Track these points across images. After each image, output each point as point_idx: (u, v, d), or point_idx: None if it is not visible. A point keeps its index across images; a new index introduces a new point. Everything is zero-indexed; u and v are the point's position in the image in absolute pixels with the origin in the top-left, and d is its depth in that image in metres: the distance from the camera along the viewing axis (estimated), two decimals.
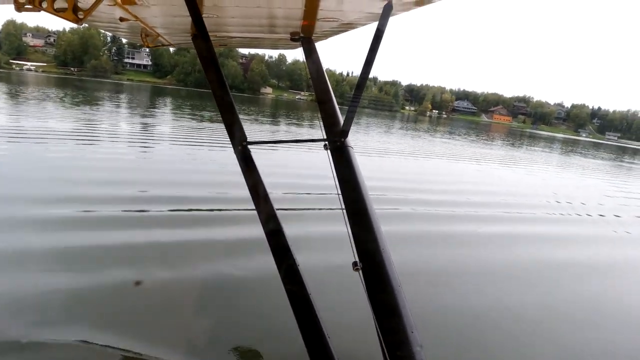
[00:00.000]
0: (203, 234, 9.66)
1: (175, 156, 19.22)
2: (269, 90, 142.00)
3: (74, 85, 66.64)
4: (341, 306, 5.94)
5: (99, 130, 23.15)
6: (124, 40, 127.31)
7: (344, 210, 3.04)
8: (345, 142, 3.18)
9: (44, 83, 67.14)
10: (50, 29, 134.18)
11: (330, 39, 3.88)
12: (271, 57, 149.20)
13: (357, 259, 2.86)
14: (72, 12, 2.07)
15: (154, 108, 45.69)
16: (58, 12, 2.03)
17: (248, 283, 7.56)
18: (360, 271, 2.82)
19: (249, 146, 3.06)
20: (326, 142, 3.23)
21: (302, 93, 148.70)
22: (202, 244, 9.09)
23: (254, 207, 3.03)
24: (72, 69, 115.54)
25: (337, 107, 3.45)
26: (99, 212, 10.12)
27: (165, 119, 34.84)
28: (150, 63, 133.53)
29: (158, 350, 5.38)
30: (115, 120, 29.26)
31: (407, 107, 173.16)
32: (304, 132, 37.82)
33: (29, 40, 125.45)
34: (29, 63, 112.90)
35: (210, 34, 2.83)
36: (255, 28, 3.55)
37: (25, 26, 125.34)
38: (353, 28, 3.30)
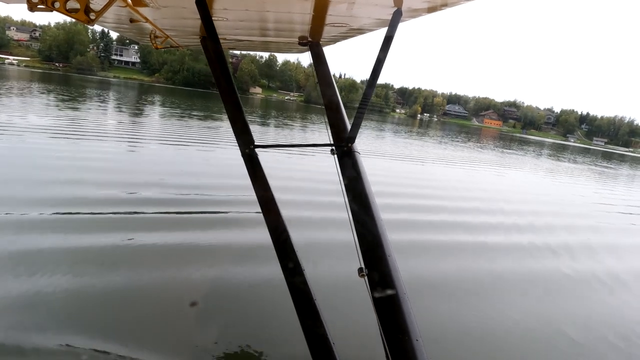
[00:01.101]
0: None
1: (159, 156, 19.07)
2: (258, 90, 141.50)
3: (47, 81, 65.10)
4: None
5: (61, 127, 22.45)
6: (113, 37, 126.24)
7: (350, 216, 3.05)
8: (352, 148, 3.19)
9: (23, 78, 65.67)
10: (36, 24, 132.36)
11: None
12: (262, 57, 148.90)
13: (363, 265, 2.87)
14: (84, 13, 2.08)
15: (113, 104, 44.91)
16: (70, 12, 2.04)
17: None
18: (366, 277, 2.83)
19: (257, 149, 3.07)
20: (333, 147, 3.24)
21: (292, 94, 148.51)
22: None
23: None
24: (56, 64, 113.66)
25: (344, 112, 3.46)
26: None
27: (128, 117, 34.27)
28: (138, 60, 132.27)
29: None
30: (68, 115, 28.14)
31: (397, 110, 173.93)
32: (297, 134, 37.75)
33: (13, 33, 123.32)
34: (11, 57, 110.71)
35: (219, 37, 2.83)
36: (264, 32, 3.56)
37: (10, 19, 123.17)
38: (362, 33, 3.32)
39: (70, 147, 17.55)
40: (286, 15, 2.96)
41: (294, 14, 2.90)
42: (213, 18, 2.78)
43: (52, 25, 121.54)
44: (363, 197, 3.07)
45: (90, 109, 34.19)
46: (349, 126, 3.29)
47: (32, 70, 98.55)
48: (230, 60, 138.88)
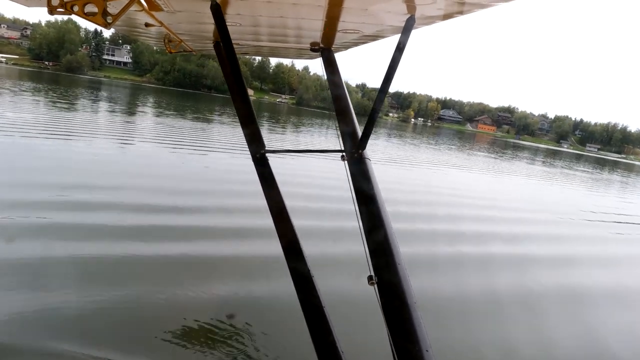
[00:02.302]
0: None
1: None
2: (250, 92, 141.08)
3: (32, 79, 64.09)
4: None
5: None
6: (106, 36, 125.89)
7: (360, 223, 3.06)
8: (363, 154, 3.21)
9: (7, 75, 64.59)
10: (29, 22, 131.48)
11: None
12: (254, 59, 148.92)
13: (373, 273, 2.87)
14: (102, 16, 2.12)
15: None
16: (88, 16, 2.09)
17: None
18: (376, 285, 2.83)
19: (267, 154, 3.08)
20: (343, 154, 3.26)
21: (283, 96, 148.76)
22: None
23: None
24: (46, 63, 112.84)
25: (355, 118, 3.48)
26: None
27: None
28: (130, 60, 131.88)
29: None
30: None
31: (390, 114, 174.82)
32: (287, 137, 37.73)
33: (4, 31, 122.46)
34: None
35: (232, 42, 2.85)
36: (276, 37, 3.59)
37: (2, 17, 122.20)
38: (374, 40, 3.35)
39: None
40: (299, 22, 2.99)
41: (306, 20, 2.93)
42: (227, 23, 2.81)
43: (43, 23, 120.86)
44: (373, 204, 3.07)
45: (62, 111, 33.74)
46: (359, 133, 3.32)
47: (20, 68, 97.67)
48: None
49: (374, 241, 2.96)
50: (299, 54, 4.65)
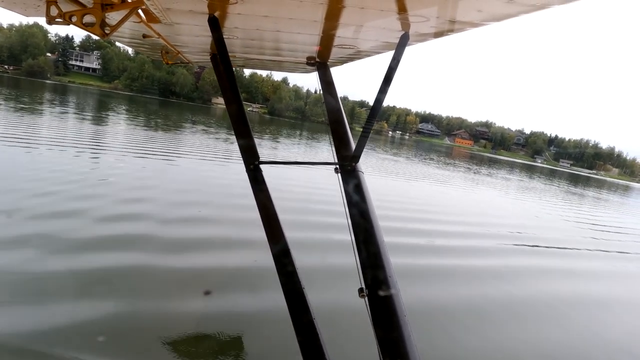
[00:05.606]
0: None
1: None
2: (220, 100, 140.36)
3: None
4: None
5: None
6: (76, 42, 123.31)
7: (352, 236, 3.15)
8: (356, 167, 3.33)
9: None
10: None
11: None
12: None
13: (364, 286, 2.96)
14: (100, 27, 2.18)
15: None
16: (86, 26, 2.15)
17: None
18: (366, 298, 2.92)
19: (261, 165, 3.16)
20: (337, 166, 3.37)
21: (254, 105, 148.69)
22: None
23: None
24: (5, 67, 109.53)
25: (349, 131, 3.61)
26: None
27: None
28: (99, 67, 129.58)
29: None
30: None
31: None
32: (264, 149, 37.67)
33: None
34: None
35: (229, 54, 2.95)
36: (273, 51, 3.71)
37: None
38: (369, 56, 3.51)
39: None
40: (296, 36, 3.11)
41: (303, 34, 3.05)
42: (224, 36, 2.90)
43: (5, 26, 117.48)
44: (366, 216, 3.16)
45: None
46: (353, 146, 3.44)
47: None
48: (195, 69, 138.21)
49: (365, 254, 3.05)
50: (295, 68, 4.77)
